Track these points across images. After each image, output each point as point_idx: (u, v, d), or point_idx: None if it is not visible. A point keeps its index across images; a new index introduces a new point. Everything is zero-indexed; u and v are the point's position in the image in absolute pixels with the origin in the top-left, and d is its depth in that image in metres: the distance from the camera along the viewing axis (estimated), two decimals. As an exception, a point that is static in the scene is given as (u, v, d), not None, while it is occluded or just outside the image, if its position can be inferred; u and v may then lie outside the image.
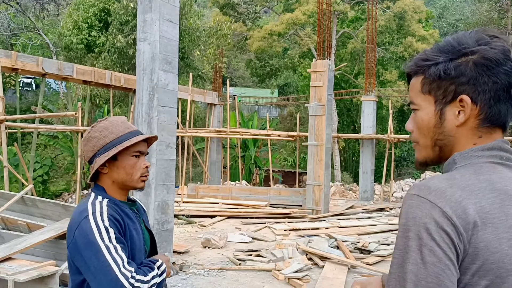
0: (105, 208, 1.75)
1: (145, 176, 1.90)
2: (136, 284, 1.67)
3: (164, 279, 1.88)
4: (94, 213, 1.72)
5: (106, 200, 1.80)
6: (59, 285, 4.61)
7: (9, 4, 24.68)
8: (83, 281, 1.78)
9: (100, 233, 1.69)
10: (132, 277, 1.67)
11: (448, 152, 1.07)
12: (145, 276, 1.74)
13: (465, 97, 1.01)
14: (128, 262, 1.70)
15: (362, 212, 13.35)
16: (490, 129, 1.03)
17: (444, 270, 0.90)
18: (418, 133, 1.10)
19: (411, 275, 0.91)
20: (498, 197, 0.96)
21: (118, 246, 1.70)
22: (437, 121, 1.06)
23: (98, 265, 1.66)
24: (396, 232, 1.01)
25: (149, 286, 1.74)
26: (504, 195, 0.96)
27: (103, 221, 1.71)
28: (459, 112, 1.03)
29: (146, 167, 1.90)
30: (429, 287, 0.90)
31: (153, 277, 1.77)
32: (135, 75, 7.85)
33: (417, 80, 1.08)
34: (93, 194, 1.84)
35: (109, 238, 1.69)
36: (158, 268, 1.84)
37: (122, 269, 1.66)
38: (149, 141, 1.96)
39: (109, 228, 1.70)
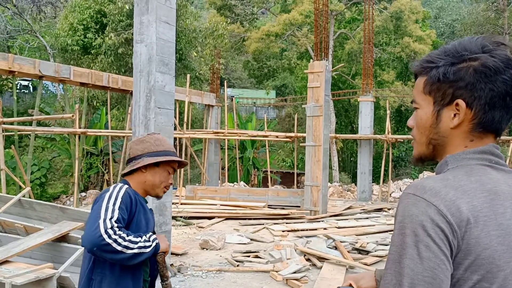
0: (124, 188, 2.13)
1: (167, 189, 2.32)
2: (114, 236, 1.92)
3: (155, 252, 2.08)
4: (115, 187, 2.13)
5: (127, 187, 2.17)
6: (57, 288, 4.59)
7: (6, 7, 24.64)
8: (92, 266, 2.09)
9: (110, 197, 2.04)
10: (112, 228, 1.93)
11: (441, 151, 1.12)
12: (128, 235, 1.97)
13: (460, 101, 1.05)
14: (116, 220, 1.96)
15: (360, 213, 13.35)
16: (482, 134, 1.08)
17: (439, 265, 0.94)
18: (416, 130, 1.16)
19: (408, 270, 0.95)
20: (488, 197, 1.00)
21: (116, 210, 1.99)
22: (433, 121, 1.10)
23: (94, 213, 1.99)
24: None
25: (130, 245, 1.95)
26: (493, 195, 1.01)
27: (119, 192, 2.08)
28: (454, 115, 1.07)
29: (170, 183, 2.31)
30: (425, 281, 0.94)
31: (138, 242, 2.00)
32: (132, 77, 7.85)
33: (421, 80, 1.13)
34: (120, 183, 2.24)
35: (114, 204, 2.01)
36: (149, 238, 2.07)
37: (107, 220, 1.94)
38: (180, 165, 2.39)
39: (119, 197, 2.04)
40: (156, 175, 2.21)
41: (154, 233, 2.29)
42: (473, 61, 1.04)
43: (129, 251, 1.93)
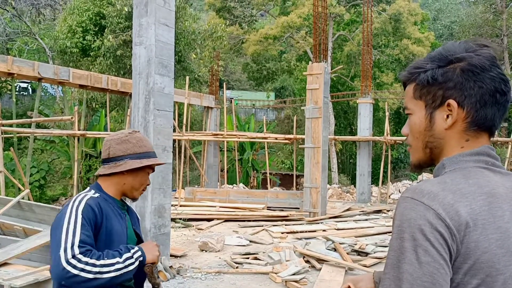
0: (85, 200, 1.91)
1: (144, 190, 2.20)
2: (80, 265, 1.72)
3: (140, 266, 1.90)
4: (74, 201, 1.91)
5: (93, 191, 2.00)
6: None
7: (5, 9, 24.64)
8: None
9: (70, 215, 1.84)
10: (74, 256, 1.73)
11: (438, 154, 1.12)
12: (99, 259, 1.78)
13: (452, 101, 1.06)
14: (80, 245, 1.77)
15: (360, 214, 13.35)
16: (477, 133, 1.08)
17: (439, 270, 0.93)
18: (411, 136, 1.15)
19: (407, 275, 0.94)
20: (486, 200, 1.00)
21: (78, 231, 1.79)
22: (427, 125, 1.11)
23: (55, 238, 1.80)
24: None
25: (103, 269, 1.76)
26: (491, 198, 1.00)
27: (77, 207, 1.87)
28: (447, 116, 1.07)
29: (148, 184, 2.18)
30: (424, 286, 0.92)
31: (115, 263, 1.81)
32: (131, 79, 7.87)
33: (410, 87, 1.14)
34: (89, 188, 2.06)
35: (75, 223, 1.81)
36: (133, 254, 1.88)
37: (68, 250, 1.74)
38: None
39: (79, 214, 1.84)
40: (137, 178, 2.08)
41: (140, 238, 2.17)
42: (459, 62, 1.06)
43: (105, 275, 1.76)
